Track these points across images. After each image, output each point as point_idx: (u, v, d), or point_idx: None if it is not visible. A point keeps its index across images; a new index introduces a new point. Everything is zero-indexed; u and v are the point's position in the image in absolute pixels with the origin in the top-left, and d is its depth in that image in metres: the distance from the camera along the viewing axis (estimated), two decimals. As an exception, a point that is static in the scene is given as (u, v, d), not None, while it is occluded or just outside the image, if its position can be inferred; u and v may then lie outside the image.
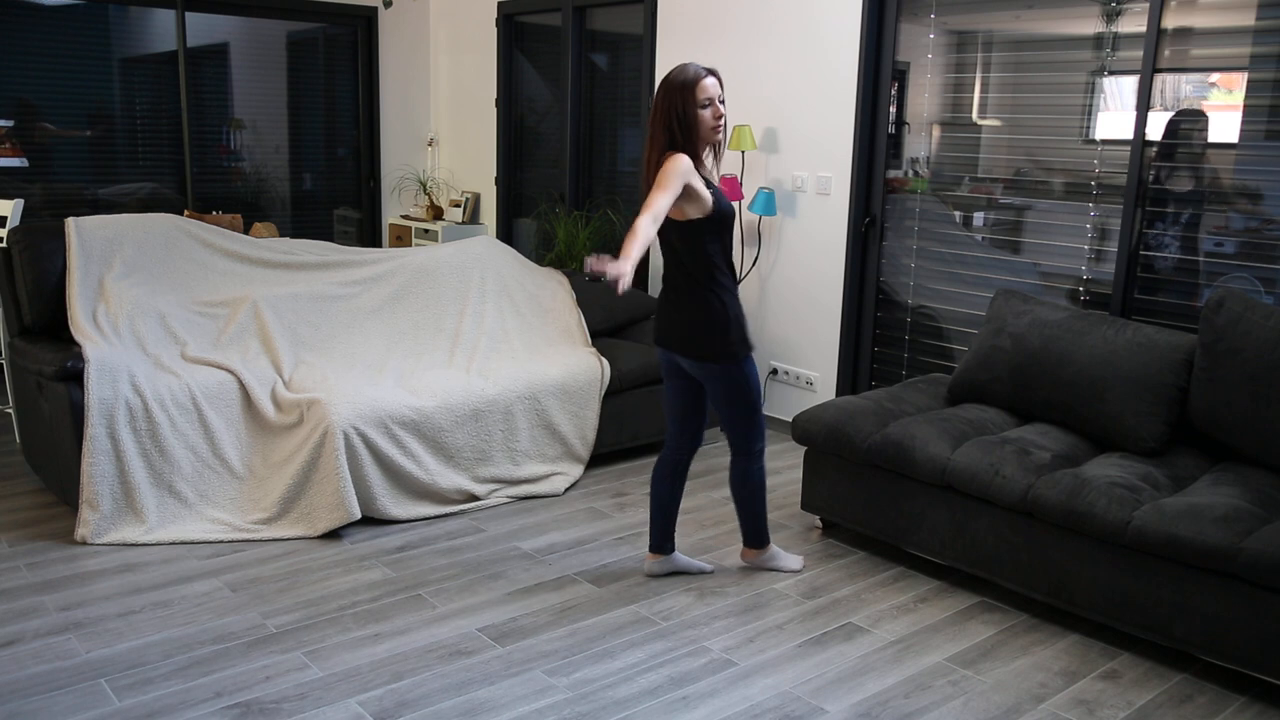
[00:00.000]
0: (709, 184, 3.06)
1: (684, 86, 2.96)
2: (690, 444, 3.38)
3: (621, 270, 2.65)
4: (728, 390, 3.16)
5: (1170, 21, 3.79)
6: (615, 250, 5.99)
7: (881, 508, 3.61)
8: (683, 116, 2.96)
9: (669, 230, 3.07)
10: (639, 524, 3.91)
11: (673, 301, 3.14)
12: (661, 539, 3.45)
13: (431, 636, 3.01)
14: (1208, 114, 3.75)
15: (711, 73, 3.00)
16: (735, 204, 5.20)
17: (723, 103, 3.03)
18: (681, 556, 3.51)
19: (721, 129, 3.03)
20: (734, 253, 5.27)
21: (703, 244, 3.05)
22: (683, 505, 4.14)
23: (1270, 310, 3.26)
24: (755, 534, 3.48)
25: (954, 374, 3.96)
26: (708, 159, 3.12)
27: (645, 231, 2.80)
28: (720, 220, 3.05)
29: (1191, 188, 3.82)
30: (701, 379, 3.19)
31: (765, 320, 5.21)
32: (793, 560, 3.56)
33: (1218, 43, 3.70)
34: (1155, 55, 3.81)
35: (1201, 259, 3.83)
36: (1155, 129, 3.86)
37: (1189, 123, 3.80)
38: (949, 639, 3.11)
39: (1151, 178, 3.89)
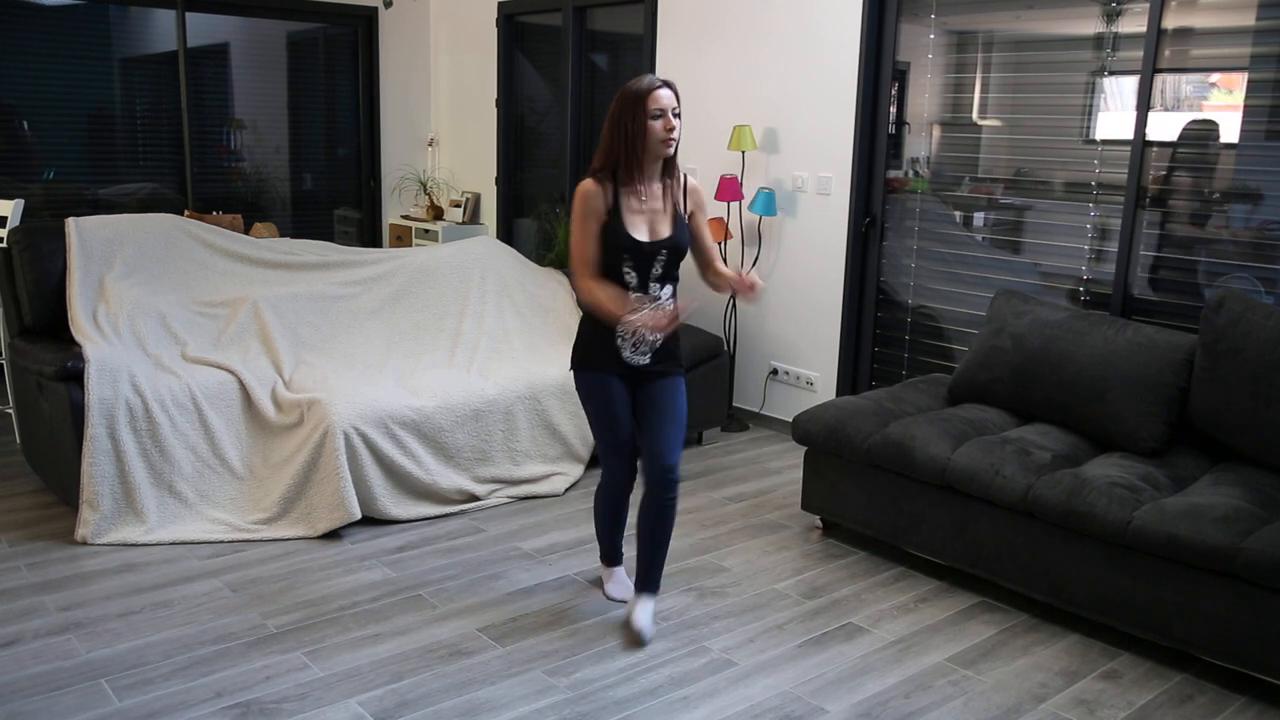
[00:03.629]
0: (615, 210, 2.92)
1: (636, 97, 2.86)
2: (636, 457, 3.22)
3: (657, 320, 2.89)
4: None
5: (1170, 21, 3.79)
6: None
7: (881, 508, 3.61)
8: (629, 128, 2.86)
9: None
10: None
11: None
12: (637, 572, 3.20)
13: (431, 636, 3.01)
14: (1211, 116, 3.75)
15: (668, 85, 2.89)
16: (736, 203, 5.20)
17: (677, 116, 2.89)
18: (640, 603, 3.14)
19: (673, 142, 2.89)
20: (736, 253, 5.27)
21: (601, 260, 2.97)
22: (685, 505, 4.14)
23: (1270, 310, 3.26)
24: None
25: (954, 374, 3.96)
26: (654, 174, 2.95)
27: (593, 287, 2.90)
28: (606, 244, 2.93)
29: (1191, 188, 3.82)
30: None
31: (765, 320, 5.21)
32: (619, 589, 3.32)
33: (1218, 43, 3.70)
34: (1155, 55, 3.81)
35: (1202, 259, 3.83)
36: (1156, 129, 3.86)
37: (1189, 124, 3.80)
38: (949, 639, 3.11)
39: (1151, 178, 3.89)
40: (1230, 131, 3.70)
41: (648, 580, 3.12)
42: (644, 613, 3.09)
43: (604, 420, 3.05)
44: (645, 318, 2.90)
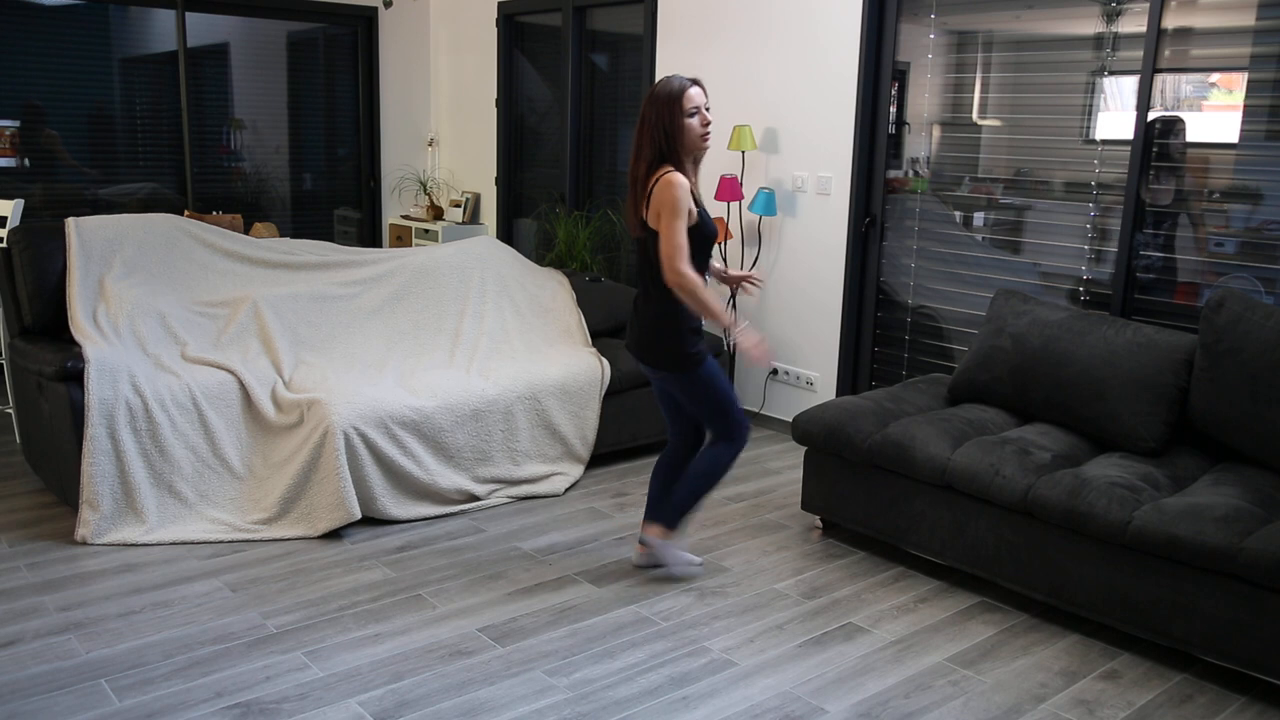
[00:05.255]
0: (698, 202, 3.11)
1: (670, 98, 3.04)
2: (691, 439, 3.43)
3: (749, 338, 3.04)
4: (690, 394, 3.21)
5: (1170, 21, 3.79)
6: (611, 249, 5.99)
7: (881, 508, 3.61)
8: (669, 128, 3.03)
9: (647, 240, 3.11)
10: (639, 524, 3.91)
11: (638, 308, 3.22)
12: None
13: (432, 636, 3.01)
14: (1206, 114, 3.75)
15: (696, 83, 3.08)
16: (736, 203, 5.21)
17: (708, 110, 3.10)
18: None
19: (709, 137, 3.11)
20: (736, 253, 5.27)
21: None
22: (683, 505, 4.14)
23: (1270, 310, 3.26)
24: (673, 514, 3.36)
25: (954, 374, 3.96)
26: (690, 168, 3.15)
27: (696, 277, 3.00)
28: (699, 238, 3.10)
29: (1191, 188, 3.82)
30: (664, 384, 3.25)
31: (765, 320, 5.21)
32: (687, 565, 3.45)
33: (1218, 43, 3.70)
34: (1155, 55, 3.81)
35: (1201, 259, 3.83)
36: (1156, 129, 3.86)
37: (1187, 123, 3.80)
38: (949, 639, 3.11)
39: (1151, 178, 3.89)
40: (1230, 131, 3.70)
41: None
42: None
43: (730, 387, 3.26)
44: (754, 341, 3.10)
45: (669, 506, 3.36)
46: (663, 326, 3.13)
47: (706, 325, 3.22)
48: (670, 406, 3.40)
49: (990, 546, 3.31)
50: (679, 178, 3.00)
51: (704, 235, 3.10)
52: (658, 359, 3.16)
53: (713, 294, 3.05)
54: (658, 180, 3.02)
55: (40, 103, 5.86)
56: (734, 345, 3.12)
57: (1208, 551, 2.79)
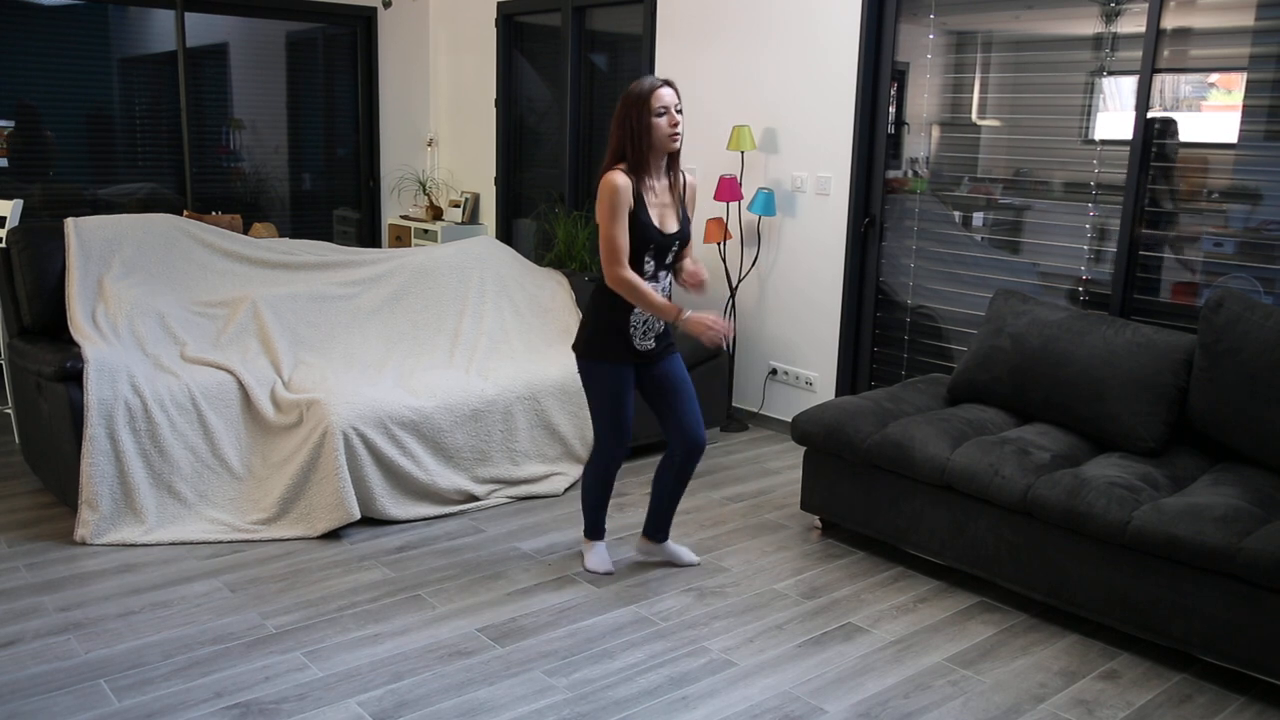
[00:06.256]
0: (641, 202, 3.08)
1: (639, 98, 3.06)
2: (677, 437, 3.38)
3: (698, 322, 3.04)
4: (581, 383, 3.27)
5: (1170, 21, 3.79)
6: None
7: (881, 508, 3.61)
8: (636, 127, 3.06)
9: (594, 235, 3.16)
10: (638, 524, 3.91)
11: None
12: (654, 528, 3.51)
13: (431, 637, 3.01)
14: (1205, 114, 3.75)
15: (668, 83, 3.09)
16: (735, 203, 5.20)
17: (679, 112, 3.09)
18: (672, 545, 3.57)
19: (678, 137, 3.10)
20: (736, 254, 5.27)
21: None
22: (684, 505, 4.14)
23: (1270, 310, 3.26)
24: (584, 519, 3.52)
25: (953, 374, 3.96)
26: (661, 169, 3.14)
27: (632, 278, 3.04)
28: (633, 236, 3.07)
29: (1190, 188, 3.82)
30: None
31: (764, 320, 5.22)
32: (598, 560, 3.49)
33: (1217, 43, 3.70)
34: (1155, 55, 3.81)
35: (1201, 259, 3.83)
36: (1155, 129, 3.86)
37: (1186, 123, 3.80)
38: (949, 639, 3.11)
39: (1150, 178, 3.90)
40: (1229, 131, 3.70)
41: (668, 529, 3.51)
42: (685, 550, 3.55)
43: (615, 407, 3.21)
44: (706, 322, 3.06)
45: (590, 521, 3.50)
46: (589, 312, 3.20)
47: (676, 337, 3.24)
48: (655, 411, 3.39)
49: (990, 546, 3.31)
50: (615, 179, 3.03)
51: (637, 235, 3.07)
52: (575, 339, 3.24)
53: (651, 290, 3.08)
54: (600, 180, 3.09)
55: (33, 100, 5.84)
56: (685, 332, 3.13)
57: (1207, 551, 2.79)
